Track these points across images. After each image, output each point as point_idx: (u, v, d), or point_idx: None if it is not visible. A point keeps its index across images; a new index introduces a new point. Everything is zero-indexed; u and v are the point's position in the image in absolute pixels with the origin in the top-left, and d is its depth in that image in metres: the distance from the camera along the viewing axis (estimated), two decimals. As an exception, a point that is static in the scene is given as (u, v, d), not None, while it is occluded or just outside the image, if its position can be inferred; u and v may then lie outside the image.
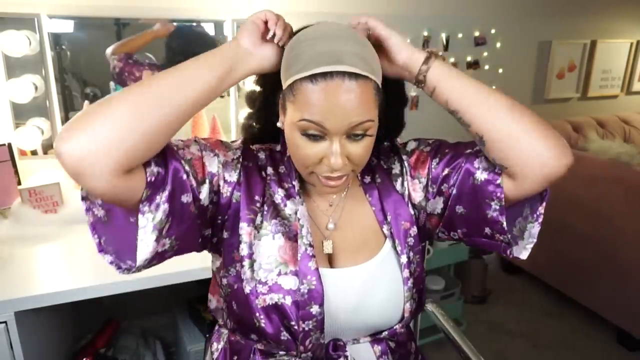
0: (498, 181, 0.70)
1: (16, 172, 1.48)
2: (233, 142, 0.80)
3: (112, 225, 0.67)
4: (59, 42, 1.56)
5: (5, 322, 0.99)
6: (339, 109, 0.64)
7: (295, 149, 0.69)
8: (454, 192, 0.75)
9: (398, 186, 0.82)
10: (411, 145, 0.84)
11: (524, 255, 0.75)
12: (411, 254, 0.79)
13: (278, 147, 0.83)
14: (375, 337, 0.80)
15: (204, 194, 0.70)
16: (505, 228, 0.72)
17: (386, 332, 0.79)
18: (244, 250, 0.74)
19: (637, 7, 2.84)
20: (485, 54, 2.38)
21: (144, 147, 0.61)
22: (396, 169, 0.83)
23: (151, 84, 0.62)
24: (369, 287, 0.76)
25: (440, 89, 0.71)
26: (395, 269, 0.78)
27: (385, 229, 0.80)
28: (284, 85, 0.68)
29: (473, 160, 0.74)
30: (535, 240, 0.74)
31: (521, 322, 2.20)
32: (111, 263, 0.67)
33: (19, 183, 1.48)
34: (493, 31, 2.36)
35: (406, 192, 0.81)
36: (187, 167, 0.68)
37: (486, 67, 2.40)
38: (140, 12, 1.63)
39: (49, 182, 1.38)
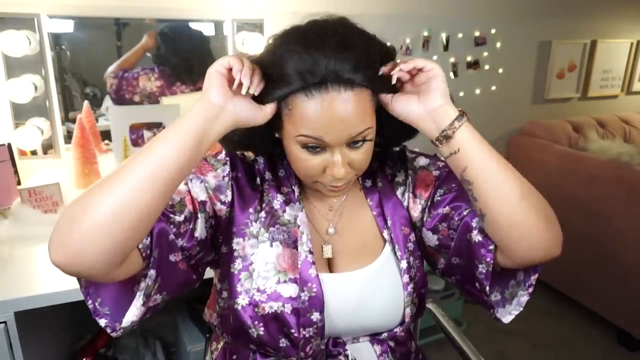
0: (490, 247, 0.68)
1: (16, 172, 1.48)
2: (218, 154, 0.77)
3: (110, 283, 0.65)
4: (58, 42, 1.55)
5: (5, 322, 0.99)
6: (337, 123, 0.62)
7: (297, 161, 0.68)
8: (453, 244, 0.73)
9: (399, 194, 0.81)
10: (421, 162, 0.82)
11: (506, 319, 0.74)
12: (411, 259, 0.78)
13: (277, 150, 0.80)
14: (375, 337, 0.80)
15: (199, 229, 0.69)
16: (488, 292, 0.71)
17: (386, 334, 0.79)
18: (239, 264, 0.73)
19: (637, 7, 2.84)
20: (485, 54, 2.38)
21: (134, 239, 0.57)
22: (400, 178, 0.82)
23: (124, 179, 0.56)
24: (368, 291, 0.76)
25: (464, 152, 0.65)
26: (395, 274, 0.77)
27: (385, 233, 0.79)
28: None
29: (473, 216, 0.71)
30: (522, 308, 0.73)
31: (521, 322, 2.19)
32: (106, 327, 0.65)
33: (19, 183, 1.48)
34: (493, 31, 2.36)
35: (405, 203, 0.81)
36: (177, 218, 0.65)
37: (486, 67, 2.40)
38: (140, 12, 1.63)
39: (48, 182, 1.38)
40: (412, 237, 0.80)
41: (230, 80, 0.62)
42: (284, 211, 0.76)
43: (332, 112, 0.62)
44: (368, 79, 0.63)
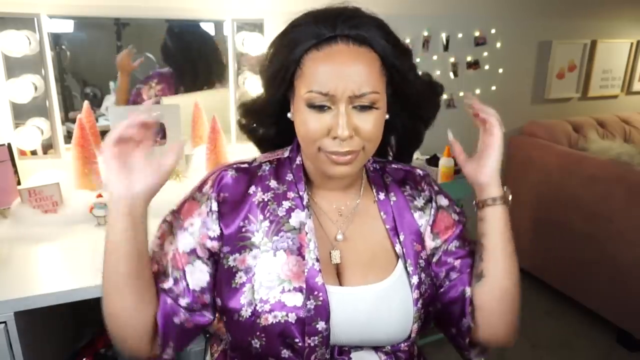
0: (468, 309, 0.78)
1: (16, 172, 1.48)
2: (203, 185, 0.77)
3: None
4: (58, 42, 1.55)
5: (5, 322, 0.99)
6: (344, 72, 0.65)
7: (303, 125, 0.69)
8: (442, 291, 0.81)
9: (416, 216, 0.81)
10: (441, 201, 0.84)
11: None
12: (422, 275, 0.77)
13: (287, 153, 0.81)
14: (378, 348, 0.78)
15: (194, 279, 0.74)
16: (468, 346, 0.80)
17: (389, 347, 0.77)
18: (241, 278, 0.72)
19: (637, 7, 2.84)
20: (485, 54, 2.38)
21: (138, 323, 0.71)
22: (419, 203, 0.83)
23: (104, 288, 0.70)
24: (378, 308, 0.74)
25: (486, 224, 0.77)
26: (406, 290, 0.76)
27: (397, 247, 0.78)
28: (291, 69, 0.69)
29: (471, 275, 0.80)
30: None
31: (521, 322, 2.19)
32: None
33: (19, 183, 1.48)
34: (493, 31, 2.36)
35: (422, 229, 0.82)
36: (166, 285, 0.73)
37: (486, 67, 2.40)
38: (141, 12, 1.63)
39: (48, 182, 1.38)
40: (424, 254, 0.79)
41: (128, 149, 0.67)
42: (290, 217, 0.75)
43: (339, 62, 0.66)
44: (377, 41, 0.68)
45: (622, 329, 2.05)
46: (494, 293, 0.76)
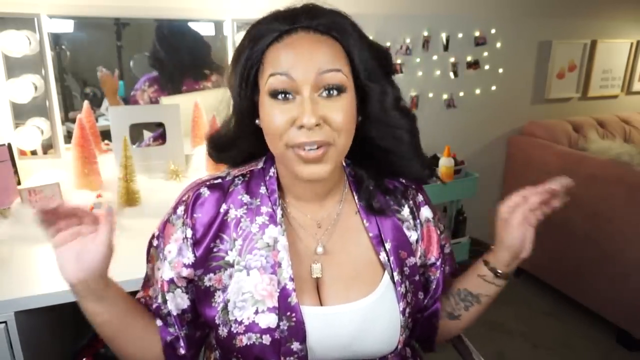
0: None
1: (16, 172, 1.48)
2: (178, 205, 0.74)
3: None
4: (58, 42, 1.56)
5: (5, 322, 0.99)
6: (304, 55, 0.63)
7: (267, 119, 0.65)
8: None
9: (404, 227, 0.78)
10: (427, 213, 0.81)
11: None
12: (407, 282, 0.75)
13: (260, 164, 0.77)
14: None
15: (174, 306, 0.74)
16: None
17: (377, 358, 0.76)
18: (219, 296, 0.71)
19: (637, 7, 2.84)
20: (485, 54, 2.38)
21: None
22: (405, 212, 0.79)
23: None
24: (362, 326, 0.71)
25: (488, 290, 0.81)
26: (392, 302, 0.73)
27: (382, 256, 0.75)
28: (254, 66, 0.67)
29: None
30: None
31: (521, 322, 2.20)
32: None
33: (19, 183, 1.48)
34: (493, 31, 2.36)
35: (411, 239, 0.78)
36: (161, 307, 0.75)
37: (486, 67, 2.40)
38: (140, 12, 1.63)
39: (48, 182, 1.38)
40: (409, 262, 0.76)
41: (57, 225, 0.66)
42: (263, 233, 0.72)
43: (300, 48, 0.64)
44: (339, 30, 0.66)
45: (622, 329, 2.04)
46: (457, 328, 0.87)
